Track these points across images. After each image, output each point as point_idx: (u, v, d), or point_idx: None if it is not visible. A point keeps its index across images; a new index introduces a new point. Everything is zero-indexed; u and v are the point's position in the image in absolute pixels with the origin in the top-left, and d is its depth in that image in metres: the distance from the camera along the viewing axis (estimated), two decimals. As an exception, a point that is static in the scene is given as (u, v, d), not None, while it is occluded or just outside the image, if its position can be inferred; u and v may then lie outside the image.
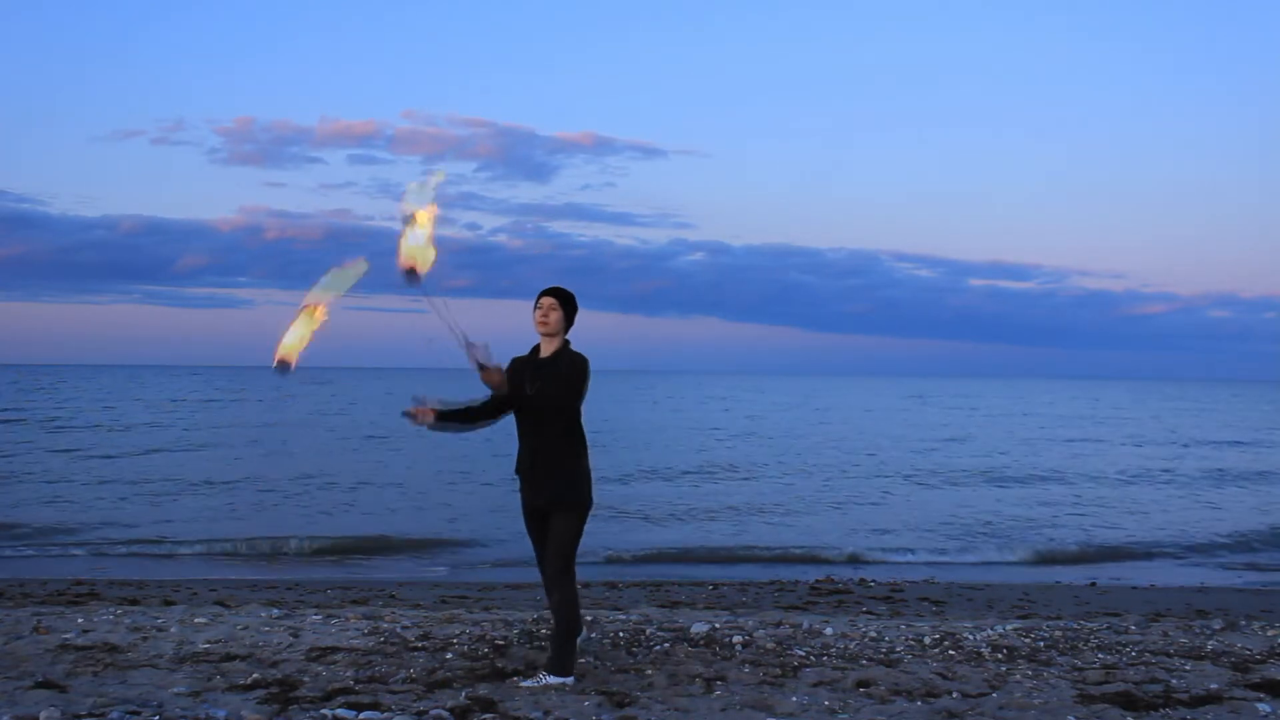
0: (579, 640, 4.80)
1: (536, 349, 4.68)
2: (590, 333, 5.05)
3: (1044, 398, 77.94)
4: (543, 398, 4.53)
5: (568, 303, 4.63)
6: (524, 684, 4.52)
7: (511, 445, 4.76)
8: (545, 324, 4.59)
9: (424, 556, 12.18)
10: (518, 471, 4.74)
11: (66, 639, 5.41)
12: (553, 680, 4.52)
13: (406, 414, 4.51)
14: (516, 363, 4.69)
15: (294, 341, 4.31)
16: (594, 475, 4.73)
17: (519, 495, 4.78)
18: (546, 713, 4.13)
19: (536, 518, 4.74)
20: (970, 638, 5.76)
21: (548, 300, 4.61)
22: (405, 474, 20.16)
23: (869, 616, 7.16)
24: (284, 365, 4.31)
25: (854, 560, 12.17)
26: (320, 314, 4.34)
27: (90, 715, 4.02)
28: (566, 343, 4.65)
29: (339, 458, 23.34)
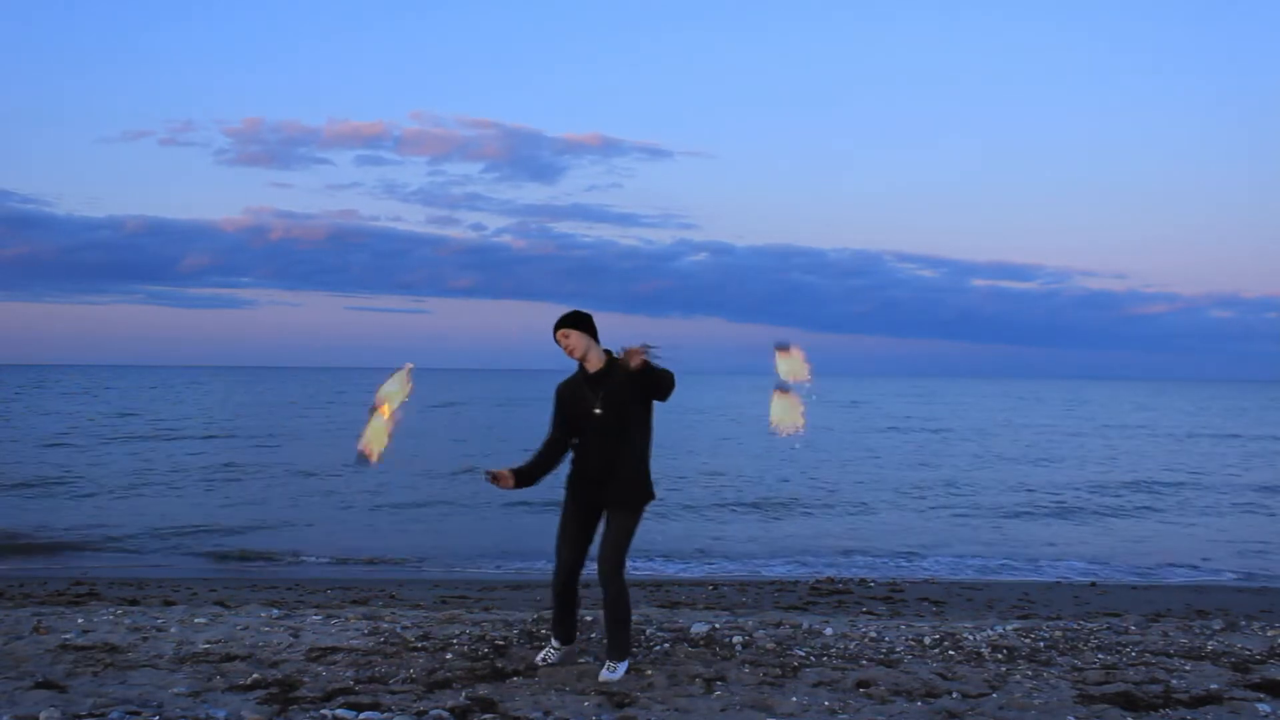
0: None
1: (582, 369, 4.74)
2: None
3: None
4: (663, 387, 4.55)
5: (580, 321, 4.71)
6: (603, 676, 4.61)
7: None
8: (574, 351, 4.69)
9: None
10: (577, 481, 4.76)
11: (66, 639, 5.41)
12: (622, 666, 4.68)
13: (490, 476, 4.66)
14: (568, 388, 4.77)
15: (376, 439, 4.59)
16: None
17: (565, 497, 4.82)
18: (547, 713, 4.13)
19: (586, 512, 4.77)
20: (970, 638, 5.76)
21: (561, 332, 4.69)
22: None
23: (869, 617, 7.16)
24: (364, 458, 4.58)
25: None
26: (388, 413, 4.61)
27: (90, 715, 4.02)
28: (609, 352, 4.73)
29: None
